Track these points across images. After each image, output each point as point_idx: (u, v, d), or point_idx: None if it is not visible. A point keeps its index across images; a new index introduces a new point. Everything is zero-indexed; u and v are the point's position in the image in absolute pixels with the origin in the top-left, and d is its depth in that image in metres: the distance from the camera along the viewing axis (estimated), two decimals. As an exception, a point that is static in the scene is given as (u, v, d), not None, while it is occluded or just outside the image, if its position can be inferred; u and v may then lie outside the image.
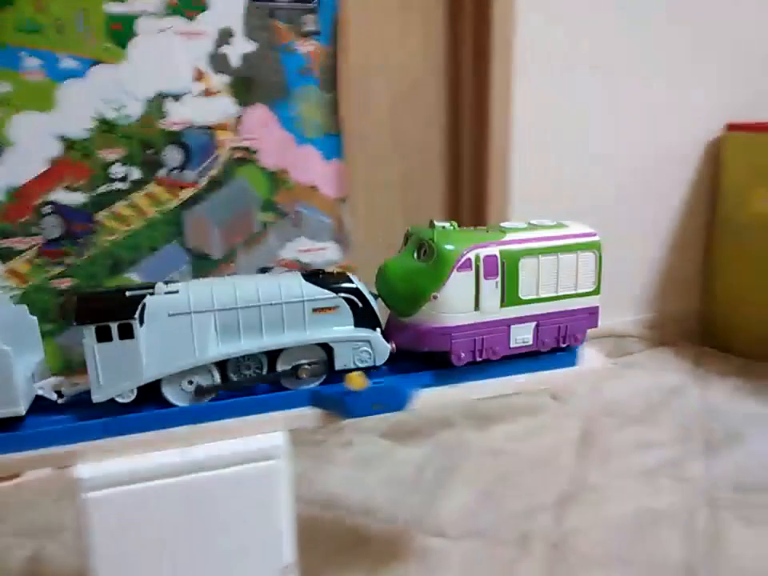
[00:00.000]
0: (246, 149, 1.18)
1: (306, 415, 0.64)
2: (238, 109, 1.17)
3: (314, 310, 0.64)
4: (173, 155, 1.14)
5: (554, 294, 0.70)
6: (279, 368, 0.64)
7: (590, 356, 0.76)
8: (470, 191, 1.43)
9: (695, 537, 0.93)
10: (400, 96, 1.37)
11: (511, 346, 0.69)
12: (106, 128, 1.10)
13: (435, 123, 1.41)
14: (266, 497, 0.61)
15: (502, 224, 0.73)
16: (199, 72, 1.14)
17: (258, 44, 1.16)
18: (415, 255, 0.68)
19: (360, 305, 0.65)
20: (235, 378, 0.63)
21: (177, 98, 1.13)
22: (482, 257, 0.66)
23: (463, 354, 0.67)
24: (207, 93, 1.15)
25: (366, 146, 1.32)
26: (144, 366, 0.58)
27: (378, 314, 0.67)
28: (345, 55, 1.23)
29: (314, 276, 0.66)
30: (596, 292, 0.73)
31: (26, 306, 0.64)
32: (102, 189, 1.11)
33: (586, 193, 1.51)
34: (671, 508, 1.00)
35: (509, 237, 0.69)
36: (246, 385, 0.63)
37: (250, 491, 0.60)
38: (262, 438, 0.61)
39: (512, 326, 0.69)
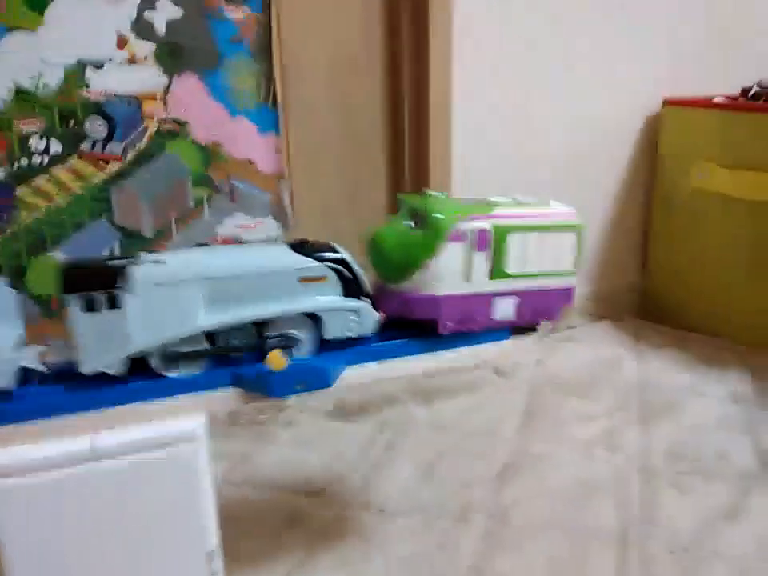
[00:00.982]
0: (176, 121, 1.13)
1: (227, 397, 0.61)
2: (165, 78, 1.12)
3: (302, 279, 0.63)
4: (95, 127, 1.08)
5: (537, 272, 0.71)
6: (267, 337, 0.63)
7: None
8: (412, 166, 1.41)
9: (629, 504, 0.95)
10: (337, 67, 1.33)
11: (494, 318, 0.70)
12: (23, 98, 1.03)
13: (375, 96, 1.38)
14: (185, 483, 0.58)
15: (489, 198, 0.72)
16: (122, 39, 1.08)
17: (184, 9, 1.10)
18: (408, 224, 0.68)
19: (347, 274, 0.65)
20: (222, 345, 0.62)
21: (98, 66, 1.07)
22: (476, 229, 0.66)
23: (450, 324, 0.67)
24: (131, 61, 1.09)
25: (304, 118, 1.28)
26: (132, 336, 0.57)
27: (366, 283, 0.66)
28: (278, 23, 1.19)
29: (301, 246, 0.65)
30: (573, 273, 0.74)
31: (2, 280, 0.61)
32: (22, 163, 1.05)
33: (525, 169, 1.51)
34: (607, 477, 1.02)
35: (498, 211, 0.68)
36: (235, 355, 0.62)
37: (168, 478, 0.57)
38: (181, 422, 0.58)
39: (497, 299, 0.69)
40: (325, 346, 0.65)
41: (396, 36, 1.37)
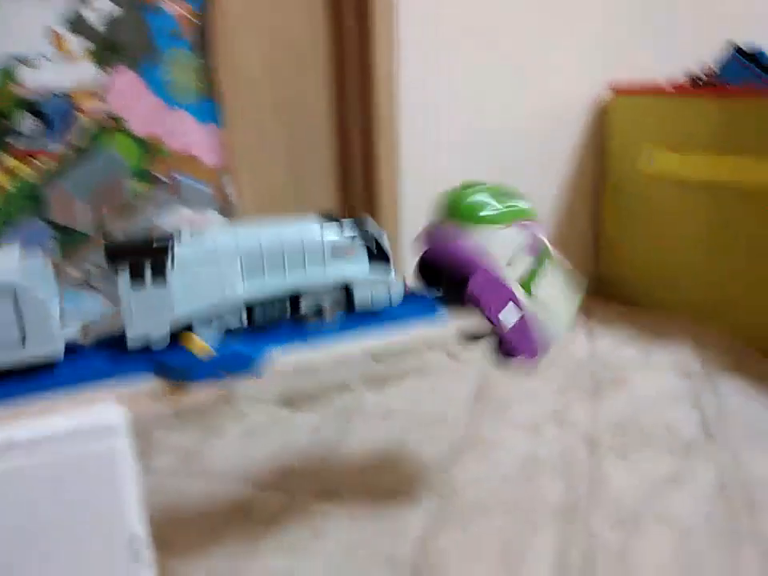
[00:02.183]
0: (112, 116, 1.12)
1: (147, 386, 0.61)
2: (101, 74, 1.10)
3: (333, 250, 0.67)
4: (28, 124, 1.06)
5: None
6: (302, 311, 0.67)
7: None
8: (359, 156, 1.41)
9: (577, 479, 0.97)
10: (279, 59, 1.32)
11: (498, 317, 0.74)
12: (-48, 95, 1.01)
13: (319, 87, 1.38)
14: (104, 474, 0.57)
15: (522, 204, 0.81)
16: (57, 35, 1.07)
17: (121, 5, 1.09)
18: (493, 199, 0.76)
19: (375, 246, 0.69)
20: (260, 318, 0.66)
21: (30, 62, 1.05)
22: (538, 235, 0.77)
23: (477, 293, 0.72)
24: (65, 57, 1.08)
25: (246, 111, 1.27)
26: (175, 309, 0.61)
27: (391, 255, 0.70)
28: (219, 16, 1.18)
29: (332, 219, 0.69)
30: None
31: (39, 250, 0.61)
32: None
33: (475, 158, 1.52)
34: (556, 453, 1.03)
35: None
36: (270, 324, 0.66)
37: (86, 470, 0.56)
38: (98, 414, 0.57)
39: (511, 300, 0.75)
40: (252, 330, 0.65)
41: (339, 26, 1.37)
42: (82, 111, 1.10)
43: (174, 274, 0.60)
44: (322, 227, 0.67)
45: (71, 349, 0.61)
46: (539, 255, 0.78)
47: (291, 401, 1.21)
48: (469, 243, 0.73)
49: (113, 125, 1.12)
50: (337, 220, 0.69)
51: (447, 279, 0.75)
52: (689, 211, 1.45)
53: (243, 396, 1.22)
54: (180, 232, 0.63)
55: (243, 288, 0.63)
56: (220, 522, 0.90)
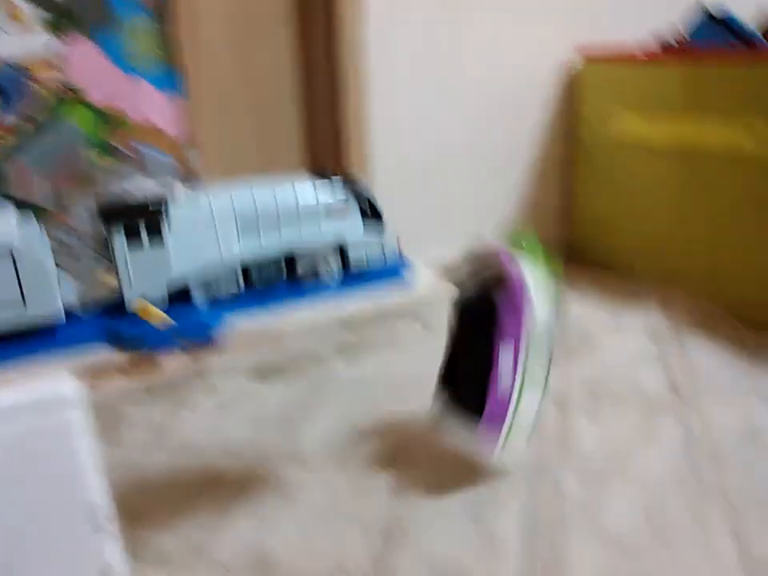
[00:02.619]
0: (70, 86, 1.09)
1: (102, 356, 0.60)
2: (57, 43, 1.07)
3: (327, 210, 0.67)
4: (-19, 95, 1.03)
5: None
6: (299, 271, 0.67)
7: (424, 275, 0.76)
8: (327, 122, 1.39)
9: (547, 438, 0.97)
10: (242, 25, 1.29)
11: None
12: None
13: (284, 52, 1.35)
14: (61, 449, 0.56)
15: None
16: (9, 3, 1.03)
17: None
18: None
19: (368, 206, 0.69)
20: (255, 278, 0.66)
21: (-18, 32, 1.02)
22: None
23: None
24: (20, 26, 1.04)
25: (208, 80, 1.24)
26: (173, 269, 0.61)
27: (384, 214, 0.71)
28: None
29: (325, 178, 0.69)
30: None
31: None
32: None
33: (447, 126, 1.50)
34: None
35: None
36: (270, 288, 0.67)
37: (41, 442, 0.55)
38: (52, 387, 0.56)
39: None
40: (210, 298, 0.64)
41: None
42: (38, 82, 1.07)
43: (170, 234, 0.60)
44: (315, 187, 0.67)
45: (70, 313, 0.60)
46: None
47: (263, 373, 1.21)
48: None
49: (71, 96, 1.09)
50: (329, 178, 0.69)
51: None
52: (658, 175, 1.46)
53: (214, 369, 1.21)
54: (174, 193, 0.63)
55: (239, 249, 0.63)
56: (191, 493, 0.90)
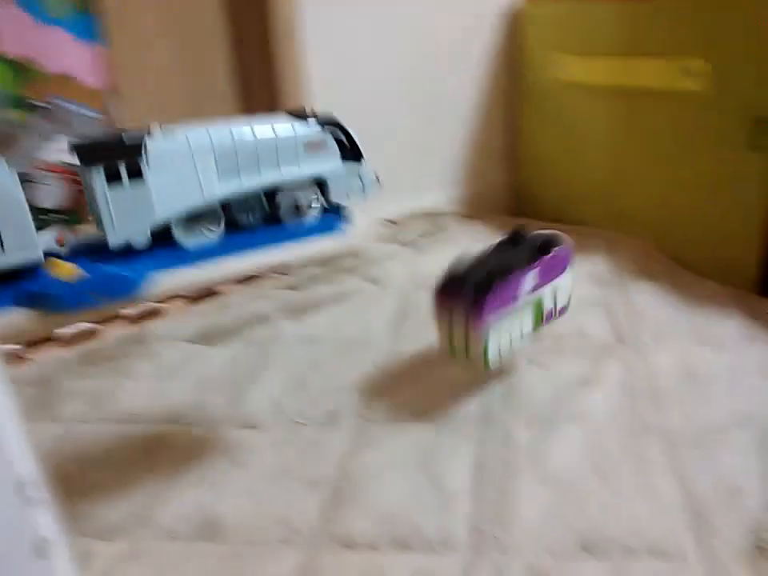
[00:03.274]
0: (-26, 34, 1.00)
1: (10, 319, 0.55)
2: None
3: (306, 145, 0.67)
4: None
5: None
6: (280, 207, 0.68)
7: (359, 222, 0.74)
8: (260, 65, 1.32)
9: (493, 386, 0.98)
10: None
11: None
12: None
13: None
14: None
15: None
16: None
17: None
18: None
19: (346, 140, 0.69)
20: (238, 217, 0.66)
21: None
22: None
23: None
24: None
25: (129, 25, 1.16)
26: (154, 207, 0.59)
27: (362, 149, 0.71)
28: None
29: (300, 115, 0.69)
30: None
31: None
32: None
33: (387, 69, 1.46)
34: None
35: None
36: (252, 225, 0.67)
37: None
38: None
39: None
40: (132, 251, 0.60)
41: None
42: (-63, 30, 0.98)
43: (150, 171, 0.59)
44: (293, 124, 0.67)
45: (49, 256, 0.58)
46: None
47: (206, 336, 1.17)
48: None
49: (-24, 45, 1.00)
50: (306, 117, 0.69)
51: None
52: (599, 116, 1.45)
53: (155, 335, 1.17)
54: (151, 130, 0.61)
55: (219, 186, 0.63)
56: (135, 462, 0.87)
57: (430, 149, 1.59)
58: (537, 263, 0.93)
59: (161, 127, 0.62)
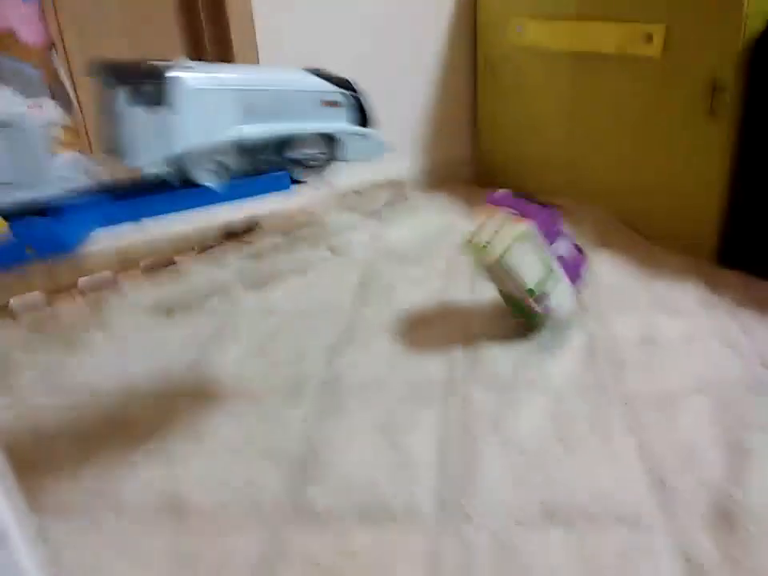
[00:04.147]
0: None
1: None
2: None
3: (323, 102, 0.68)
4: None
5: None
6: (292, 155, 0.68)
7: (312, 185, 0.72)
8: (209, 26, 1.26)
9: (455, 357, 0.98)
10: None
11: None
12: None
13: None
14: None
15: None
16: None
17: None
18: None
19: (360, 103, 0.71)
20: (253, 162, 0.65)
21: None
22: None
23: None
24: None
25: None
26: (176, 135, 0.58)
27: (374, 113, 0.73)
28: None
29: (318, 73, 0.69)
30: None
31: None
32: None
33: (345, 46, 1.42)
34: (436, 335, 1.03)
35: None
36: (261, 168, 0.66)
37: None
38: None
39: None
40: (71, 206, 0.56)
41: None
42: None
43: (175, 101, 0.57)
44: (312, 77, 0.68)
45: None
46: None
47: (163, 308, 1.13)
48: None
49: None
50: (324, 77, 0.70)
51: None
52: (559, 84, 1.44)
53: (110, 306, 1.13)
54: (182, 60, 0.60)
55: (240, 127, 0.63)
56: (92, 436, 0.84)
57: (391, 119, 1.55)
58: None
59: (188, 60, 0.62)
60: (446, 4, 1.56)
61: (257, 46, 1.26)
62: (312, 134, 0.68)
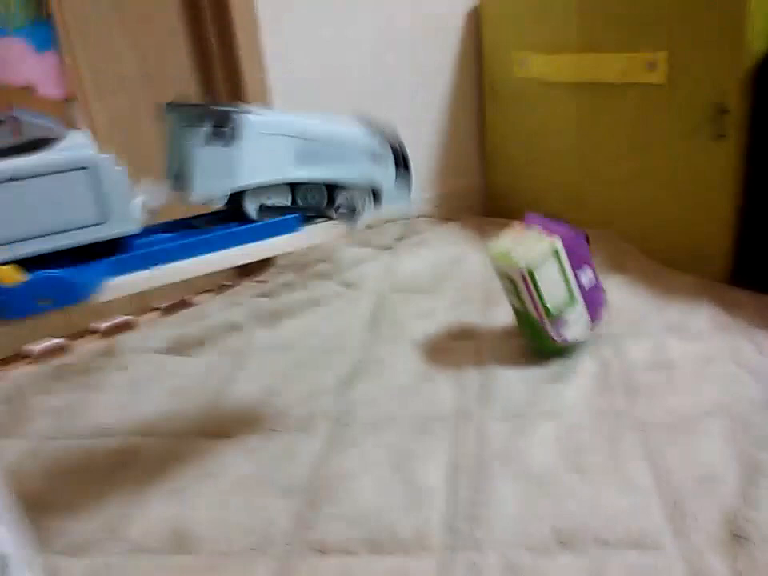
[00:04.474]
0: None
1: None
2: None
3: (372, 154, 0.74)
4: None
5: None
6: (337, 202, 0.73)
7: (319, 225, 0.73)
8: (222, 70, 1.31)
9: (467, 387, 0.97)
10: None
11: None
12: None
13: (170, 4, 1.26)
14: None
15: None
16: None
17: None
18: None
19: (402, 157, 0.77)
20: (301, 203, 0.71)
21: None
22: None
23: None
24: None
25: (89, 33, 1.15)
26: (238, 172, 0.64)
27: (411, 165, 0.79)
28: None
29: (369, 124, 0.76)
30: None
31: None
32: None
33: (353, 79, 1.46)
34: (447, 365, 1.03)
35: None
36: (309, 211, 0.71)
37: None
38: None
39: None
40: (82, 254, 0.58)
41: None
42: None
43: (241, 140, 0.63)
44: (364, 131, 0.74)
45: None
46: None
47: (178, 347, 1.15)
48: None
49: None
50: (372, 126, 0.76)
51: None
52: (565, 114, 1.46)
53: (126, 348, 1.15)
54: (245, 104, 0.69)
55: (295, 169, 0.69)
56: (105, 476, 0.85)
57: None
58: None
59: (251, 105, 0.69)
60: (452, 35, 1.60)
61: (267, 95, 1.31)
62: (361, 182, 0.74)
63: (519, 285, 0.97)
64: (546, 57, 1.44)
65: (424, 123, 1.63)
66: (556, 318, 0.97)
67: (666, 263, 1.30)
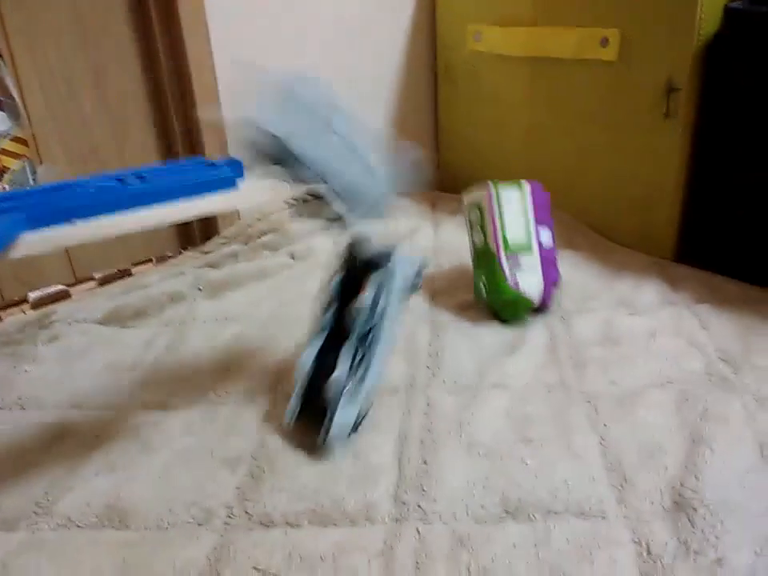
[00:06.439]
0: None
1: None
2: None
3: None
4: None
5: None
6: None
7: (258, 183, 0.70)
8: (165, 48, 1.25)
9: (419, 357, 0.96)
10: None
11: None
12: None
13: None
14: None
15: None
16: None
17: None
18: None
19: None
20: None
21: None
22: None
23: None
24: None
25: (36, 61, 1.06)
26: None
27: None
28: None
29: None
30: None
31: None
32: None
33: (301, 54, 1.41)
34: (400, 333, 1.01)
35: None
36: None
37: None
38: None
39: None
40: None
41: None
42: None
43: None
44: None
45: None
46: None
47: (115, 318, 1.10)
48: None
49: None
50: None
51: None
52: (517, 89, 1.44)
53: (59, 318, 1.09)
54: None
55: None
56: (37, 449, 0.80)
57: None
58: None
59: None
60: (405, 12, 1.57)
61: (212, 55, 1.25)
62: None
63: (485, 210, 1.03)
64: (500, 30, 1.42)
65: (376, 100, 1.60)
66: (513, 254, 1.01)
67: (615, 240, 1.31)
